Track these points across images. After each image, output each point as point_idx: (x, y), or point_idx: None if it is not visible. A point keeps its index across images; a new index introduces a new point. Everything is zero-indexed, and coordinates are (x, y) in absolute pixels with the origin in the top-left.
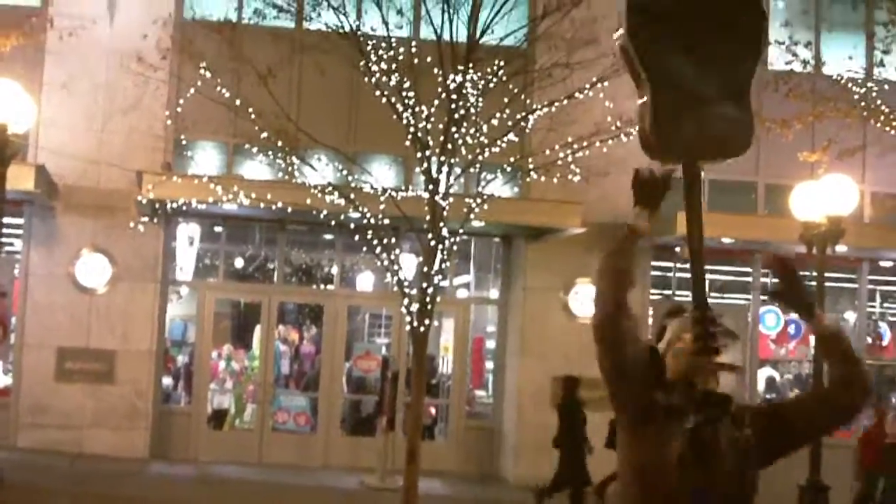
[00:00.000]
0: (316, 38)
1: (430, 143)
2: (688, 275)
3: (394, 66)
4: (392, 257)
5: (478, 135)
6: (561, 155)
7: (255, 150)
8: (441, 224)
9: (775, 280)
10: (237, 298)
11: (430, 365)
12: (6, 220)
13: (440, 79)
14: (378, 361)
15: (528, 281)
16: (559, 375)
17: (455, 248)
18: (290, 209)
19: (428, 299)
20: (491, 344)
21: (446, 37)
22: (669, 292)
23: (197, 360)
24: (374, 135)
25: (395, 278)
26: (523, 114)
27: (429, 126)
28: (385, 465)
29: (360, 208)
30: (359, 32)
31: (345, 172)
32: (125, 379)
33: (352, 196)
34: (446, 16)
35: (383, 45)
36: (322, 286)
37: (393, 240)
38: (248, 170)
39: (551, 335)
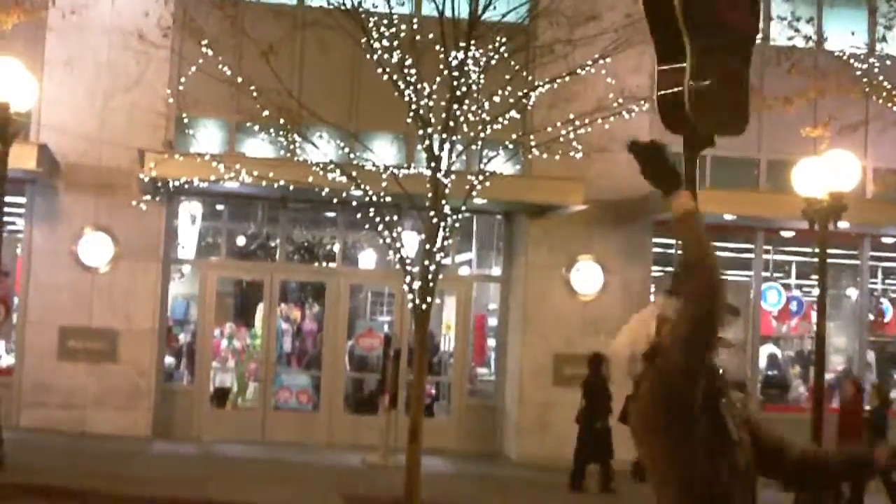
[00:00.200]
0: (317, 15)
1: (432, 120)
2: None
3: (395, 42)
4: (394, 235)
5: (479, 112)
6: (563, 132)
7: (256, 127)
8: (443, 201)
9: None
10: (239, 277)
11: (432, 343)
12: (8, 199)
13: (442, 56)
14: (380, 339)
15: (530, 258)
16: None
17: (457, 225)
18: (291, 187)
19: (430, 277)
20: (493, 321)
21: (448, 13)
22: (671, 269)
23: (199, 339)
24: (375, 112)
25: (397, 256)
26: (525, 91)
27: (430, 103)
28: (387, 443)
29: (362, 186)
30: (360, 9)
31: (347, 150)
32: (127, 358)
33: (354, 174)
34: None
35: (385, 21)
36: (324, 264)
37: (395, 217)
38: (249, 148)
39: (553, 312)
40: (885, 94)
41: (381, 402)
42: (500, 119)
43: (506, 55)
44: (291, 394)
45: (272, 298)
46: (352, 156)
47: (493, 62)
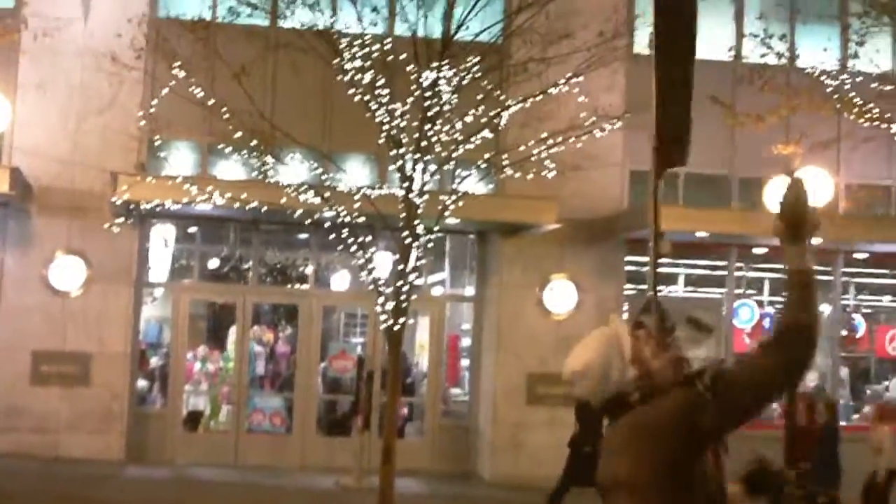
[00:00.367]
0: (290, 36)
1: (405, 140)
2: (664, 269)
3: (368, 63)
4: (367, 256)
5: (452, 131)
6: (536, 151)
7: (229, 149)
8: (416, 222)
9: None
10: (212, 299)
11: (405, 363)
12: None
13: (414, 76)
14: (353, 361)
15: (504, 277)
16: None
17: (430, 245)
18: (264, 209)
19: (403, 297)
20: (466, 341)
21: (421, 33)
22: (644, 287)
23: (172, 362)
24: (348, 133)
25: (370, 277)
26: (498, 110)
27: (403, 123)
28: (361, 464)
29: (335, 207)
30: (333, 30)
31: (319, 171)
32: (100, 381)
33: (326, 195)
34: (421, 12)
35: (357, 42)
36: (297, 286)
37: (368, 238)
38: (222, 169)
39: (527, 332)
40: (856, 110)
41: (355, 423)
42: (473, 138)
43: (478, 74)
44: (265, 416)
45: (245, 321)
46: (324, 177)
47: (466, 81)
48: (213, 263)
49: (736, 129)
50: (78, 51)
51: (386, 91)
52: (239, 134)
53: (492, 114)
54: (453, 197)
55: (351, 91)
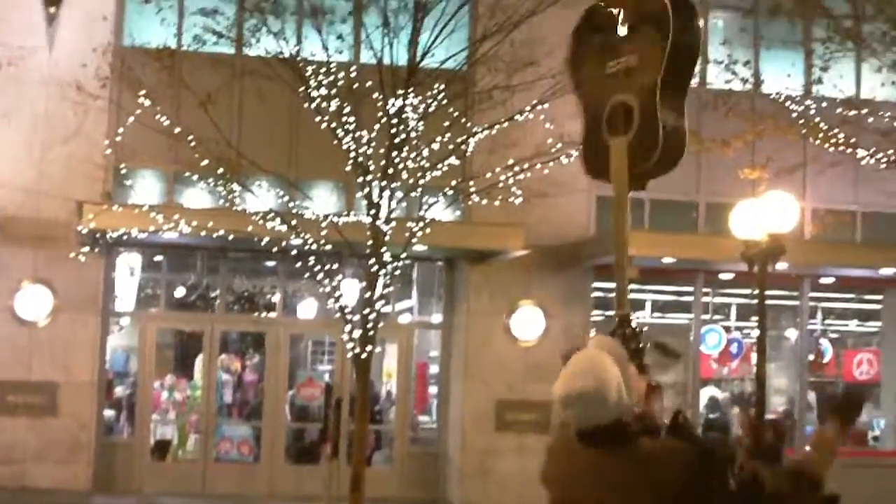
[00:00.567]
0: (255, 64)
1: (372, 167)
2: (630, 295)
3: (334, 90)
4: (334, 283)
5: (419, 158)
6: (502, 177)
7: (195, 177)
8: (383, 249)
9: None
10: (179, 328)
11: (373, 391)
12: None
13: (381, 103)
14: (321, 389)
15: (472, 304)
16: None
17: (397, 272)
18: (231, 237)
19: (370, 325)
20: (434, 368)
21: (387, 61)
22: (611, 312)
23: (139, 391)
24: (314, 160)
25: (338, 305)
26: (464, 137)
27: (370, 150)
28: (330, 493)
29: (302, 234)
30: (299, 58)
31: (286, 199)
32: (67, 411)
33: (293, 222)
34: (386, 39)
35: (323, 70)
36: (264, 314)
37: (335, 266)
38: (188, 198)
39: (495, 358)
40: (822, 135)
41: (323, 451)
42: (440, 165)
43: (444, 102)
44: (232, 445)
45: (212, 349)
46: (291, 204)
47: (432, 109)
48: (180, 292)
49: (702, 154)
50: (43, 80)
51: (352, 118)
52: (205, 162)
53: (458, 141)
54: (420, 224)
55: (317, 118)
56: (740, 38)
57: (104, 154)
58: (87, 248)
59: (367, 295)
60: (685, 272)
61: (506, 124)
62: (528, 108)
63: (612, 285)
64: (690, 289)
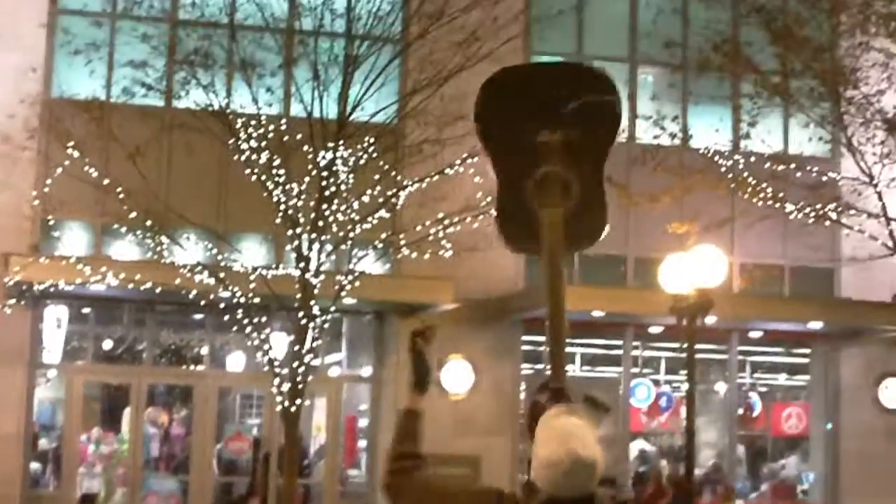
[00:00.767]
0: (185, 117)
1: (301, 220)
2: None
3: (264, 143)
4: (263, 337)
5: (349, 211)
6: (432, 231)
7: (123, 229)
8: (312, 302)
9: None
10: (106, 381)
11: (302, 445)
12: None
13: (311, 156)
14: (249, 442)
15: (401, 357)
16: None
17: (326, 325)
18: (158, 289)
19: (299, 378)
20: (364, 422)
21: (317, 114)
22: (541, 366)
23: (66, 444)
24: (244, 213)
25: (266, 358)
26: (394, 190)
27: (299, 203)
28: None
29: (230, 287)
30: (228, 110)
31: (214, 251)
32: None
33: (222, 275)
34: (316, 93)
35: (253, 122)
36: (192, 367)
37: (263, 319)
38: (116, 250)
39: (424, 412)
40: (750, 189)
41: None
42: (370, 218)
43: (375, 155)
44: (159, 499)
45: (139, 402)
46: (220, 257)
47: (362, 162)
48: (108, 344)
49: (631, 208)
50: None
51: (282, 171)
52: (133, 214)
53: (388, 194)
54: (350, 277)
55: (247, 171)
56: (669, 93)
57: (31, 205)
58: (13, 301)
59: (296, 348)
60: (615, 326)
61: (436, 178)
62: (457, 161)
63: (542, 338)
64: (620, 342)
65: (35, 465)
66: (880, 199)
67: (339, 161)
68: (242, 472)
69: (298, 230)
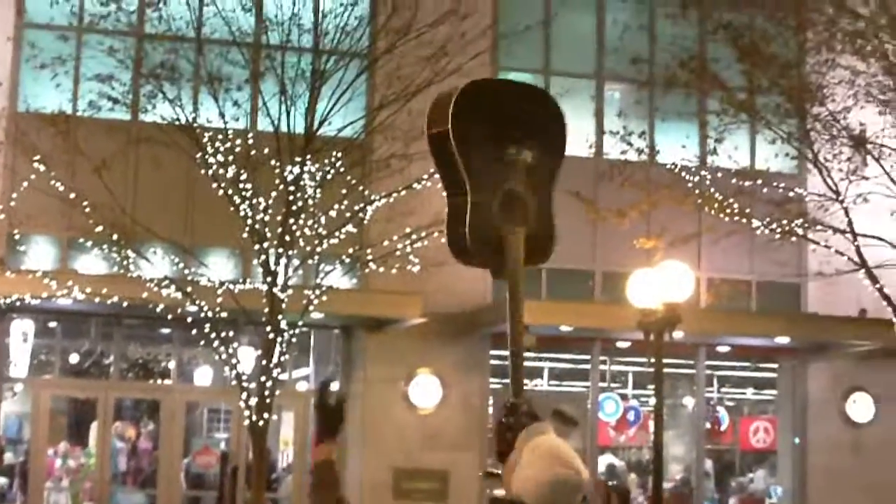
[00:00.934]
0: (151, 131)
1: (268, 234)
2: (527, 363)
3: (231, 157)
4: (230, 351)
5: (316, 226)
6: (399, 246)
7: (89, 243)
8: (279, 316)
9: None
10: (73, 395)
11: (269, 459)
12: None
13: (278, 170)
14: (217, 457)
15: (369, 372)
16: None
17: (294, 340)
18: (125, 303)
19: (267, 393)
20: None
21: (284, 128)
22: (508, 380)
23: (32, 458)
24: (211, 227)
25: (234, 372)
26: (362, 205)
27: (266, 218)
28: None
29: (198, 302)
30: (195, 124)
31: (181, 265)
32: None
33: (189, 289)
34: (283, 107)
35: (220, 136)
36: (159, 381)
37: (231, 333)
38: (82, 264)
39: (392, 426)
40: (716, 205)
41: None
42: (337, 233)
43: (342, 170)
44: None
45: (106, 416)
46: (186, 271)
47: (330, 177)
48: (74, 358)
49: (598, 223)
50: None
51: (249, 185)
52: (100, 228)
53: (356, 208)
54: (317, 291)
55: (214, 185)
56: (636, 109)
57: None
58: None
59: (264, 362)
60: (582, 340)
61: (403, 193)
62: (425, 176)
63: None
64: (587, 357)
65: (1, 480)
66: (847, 214)
67: (306, 175)
68: (210, 487)
69: (266, 244)
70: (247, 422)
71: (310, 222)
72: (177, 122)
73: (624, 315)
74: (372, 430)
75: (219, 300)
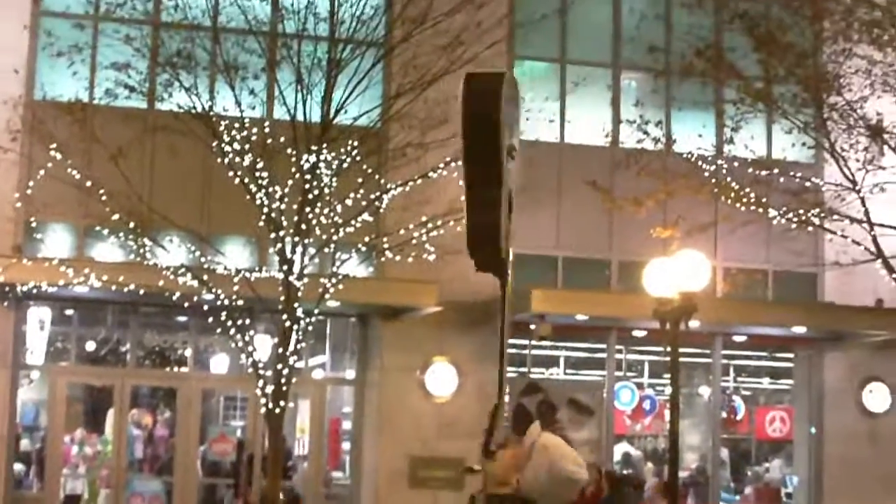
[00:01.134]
0: (167, 119)
1: (284, 223)
2: (543, 352)
3: (247, 146)
4: (246, 339)
5: (332, 214)
6: (415, 234)
7: (106, 231)
8: (296, 304)
9: None
10: (89, 382)
11: (285, 447)
12: None
13: (294, 159)
14: (233, 444)
15: (385, 360)
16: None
17: (310, 328)
18: (142, 291)
19: (283, 380)
20: (347, 424)
21: (300, 117)
22: (525, 369)
23: (49, 445)
24: (227, 215)
25: (250, 360)
26: (378, 193)
27: (283, 206)
28: None
29: (214, 290)
30: (211, 113)
31: (198, 254)
32: None
33: (205, 277)
34: (300, 96)
35: (236, 125)
36: (175, 369)
37: (247, 321)
38: (99, 252)
39: (408, 415)
40: (733, 194)
41: None
42: (353, 222)
43: (358, 158)
44: (143, 500)
45: (123, 404)
46: (203, 259)
47: (346, 165)
48: (91, 346)
49: (614, 212)
50: None
51: (265, 174)
52: (116, 216)
53: (372, 197)
54: (333, 280)
55: (230, 173)
56: (652, 98)
57: (14, 207)
58: None
59: (280, 350)
60: (598, 329)
61: (419, 181)
62: (441, 165)
63: (525, 342)
64: (603, 346)
65: (18, 467)
66: (863, 204)
67: (322, 164)
68: (226, 474)
69: (282, 233)
70: (263, 410)
71: (326, 211)
72: (193, 111)
73: (640, 304)
74: (388, 418)
75: (235, 288)
